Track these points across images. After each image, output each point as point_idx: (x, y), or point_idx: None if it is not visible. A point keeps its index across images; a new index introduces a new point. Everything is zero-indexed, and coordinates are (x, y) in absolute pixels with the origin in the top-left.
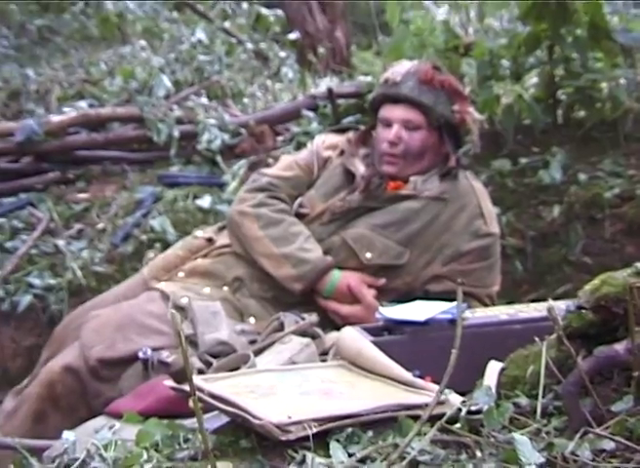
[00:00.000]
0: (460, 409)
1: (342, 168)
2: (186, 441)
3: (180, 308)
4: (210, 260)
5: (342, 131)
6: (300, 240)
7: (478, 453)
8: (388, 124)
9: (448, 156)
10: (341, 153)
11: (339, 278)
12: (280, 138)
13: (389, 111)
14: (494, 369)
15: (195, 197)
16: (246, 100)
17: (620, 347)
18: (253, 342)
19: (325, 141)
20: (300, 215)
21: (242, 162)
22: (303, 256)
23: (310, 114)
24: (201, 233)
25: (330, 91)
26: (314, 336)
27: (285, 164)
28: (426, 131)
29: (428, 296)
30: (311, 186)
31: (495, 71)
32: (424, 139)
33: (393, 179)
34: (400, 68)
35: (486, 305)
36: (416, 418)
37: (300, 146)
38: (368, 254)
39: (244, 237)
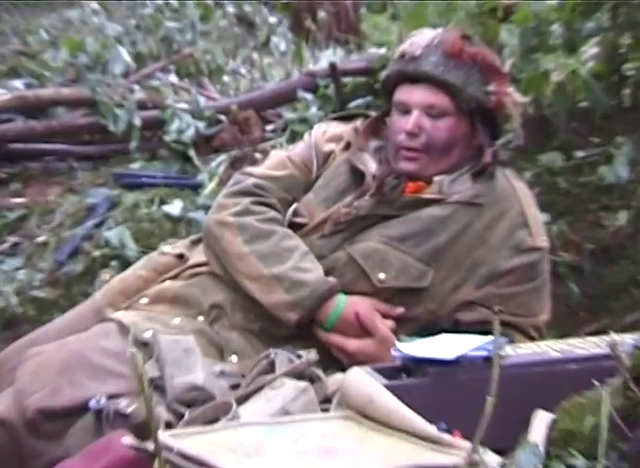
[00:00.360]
0: None
1: (349, 165)
2: None
3: (144, 344)
4: (181, 283)
5: (349, 118)
6: (296, 257)
7: None
8: (406, 110)
9: (482, 149)
10: (347, 147)
11: (344, 305)
12: (270, 128)
13: (407, 94)
14: (541, 420)
15: (162, 202)
16: (226, 79)
17: None
18: (235, 387)
19: (326, 132)
20: (294, 226)
21: (222, 157)
22: (300, 278)
23: (308, 96)
24: (169, 248)
25: (333, 66)
26: (313, 379)
27: (276, 161)
28: (454, 118)
29: (458, 328)
30: (309, 189)
31: (543, 41)
32: (452, 129)
33: (413, 180)
34: (421, 39)
35: (532, 339)
36: None
37: (294, 138)
38: (381, 275)
39: (224, 253)
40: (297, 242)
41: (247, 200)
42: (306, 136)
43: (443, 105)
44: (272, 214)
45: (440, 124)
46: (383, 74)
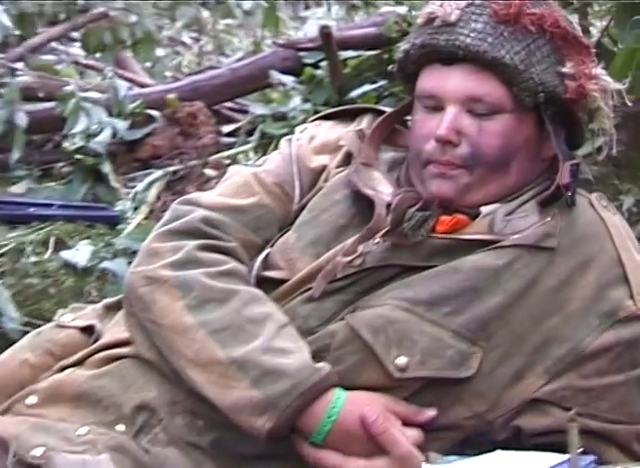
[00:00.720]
0: None
1: (350, 190)
2: None
3: (32, 467)
4: (90, 373)
5: (349, 116)
6: (268, 332)
7: None
8: (437, 105)
9: (555, 164)
10: (347, 161)
11: (343, 406)
12: (228, 129)
13: (438, 80)
14: None
15: (61, 245)
16: (161, 53)
17: None
18: None
19: (315, 138)
20: (266, 283)
21: (153, 175)
22: (274, 364)
23: (288, 80)
24: (71, 318)
25: (326, 34)
26: None
27: (237, 182)
28: (512, 116)
29: (520, 442)
30: (288, 226)
31: None
32: (508, 133)
33: (448, 211)
34: None
35: (636, 457)
36: None
37: (267, 146)
38: (400, 359)
39: (157, 326)
40: (269, 308)
41: (192, 244)
42: (284, 144)
43: (494, 97)
44: (231, 265)
45: (490, 126)
46: (401, 50)
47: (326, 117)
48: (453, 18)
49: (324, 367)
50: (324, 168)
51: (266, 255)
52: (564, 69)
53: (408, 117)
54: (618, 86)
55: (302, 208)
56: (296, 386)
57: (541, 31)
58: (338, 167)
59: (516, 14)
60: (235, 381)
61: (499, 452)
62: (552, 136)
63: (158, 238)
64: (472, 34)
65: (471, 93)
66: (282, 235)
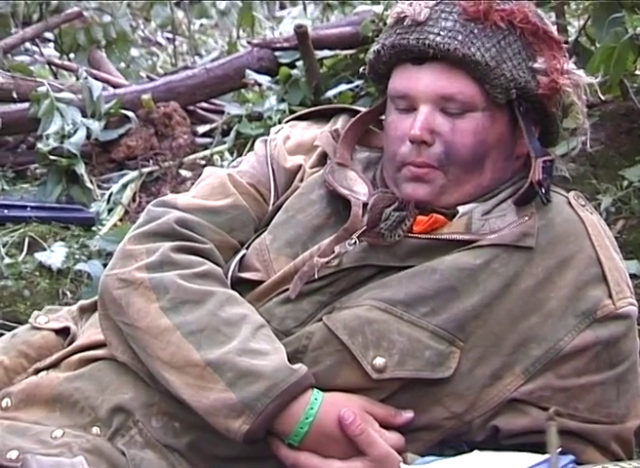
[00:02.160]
0: None
1: (325, 190)
2: None
3: None
4: (65, 375)
5: (324, 116)
6: (244, 333)
7: None
8: (409, 105)
9: (529, 161)
10: (322, 160)
11: (320, 407)
12: (204, 129)
13: (409, 80)
14: None
15: (35, 246)
16: (135, 53)
17: None
18: None
19: (289, 138)
20: (242, 285)
21: (129, 176)
22: (250, 366)
23: (264, 80)
24: (45, 320)
25: (302, 33)
26: None
27: (212, 184)
28: (485, 114)
29: (498, 441)
30: (264, 227)
31: None
32: (482, 131)
33: (425, 212)
34: None
35: (614, 457)
36: None
37: (243, 146)
38: (378, 360)
39: (132, 329)
40: (245, 310)
41: (166, 245)
42: (259, 144)
43: (466, 95)
44: (206, 266)
45: (463, 124)
46: (372, 50)
47: (301, 118)
48: (422, 16)
49: (300, 368)
50: (299, 167)
51: (242, 257)
52: (536, 65)
53: (382, 117)
54: (590, 80)
55: (278, 208)
56: (272, 388)
57: (512, 27)
58: (312, 167)
59: (486, 10)
60: (211, 383)
61: (477, 453)
62: (524, 133)
63: (133, 240)
64: (442, 33)
65: (443, 91)
66: (257, 236)
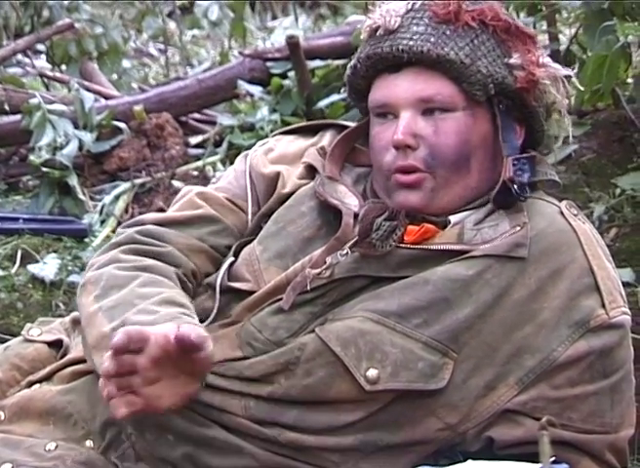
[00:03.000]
0: None
1: (316, 200)
2: None
3: None
4: (58, 388)
5: (313, 130)
6: (153, 300)
7: None
8: (390, 113)
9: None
10: (311, 173)
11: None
12: (196, 140)
13: (387, 89)
14: None
15: (28, 259)
16: (127, 65)
17: None
18: None
19: (272, 150)
20: (233, 294)
21: (121, 187)
22: (143, 321)
23: (255, 91)
24: (38, 332)
25: (293, 43)
26: None
27: (183, 201)
28: (466, 113)
29: (493, 453)
30: (250, 235)
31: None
32: (464, 130)
33: (415, 221)
34: (396, 4)
35: (609, 467)
36: None
37: (235, 156)
38: (371, 371)
39: (81, 329)
40: (166, 291)
41: (119, 248)
42: (239, 159)
43: (445, 96)
44: (150, 261)
45: (445, 125)
46: (349, 66)
47: (287, 132)
48: (393, 24)
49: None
50: (278, 175)
51: (231, 266)
52: (511, 60)
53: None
54: (566, 72)
55: (264, 216)
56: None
57: (484, 26)
58: (301, 178)
59: (456, 12)
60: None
61: (470, 463)
62: (500, 130)
63: (99, 253)
64: (415, 37)
65: (421, 94)
66: (245, 245)
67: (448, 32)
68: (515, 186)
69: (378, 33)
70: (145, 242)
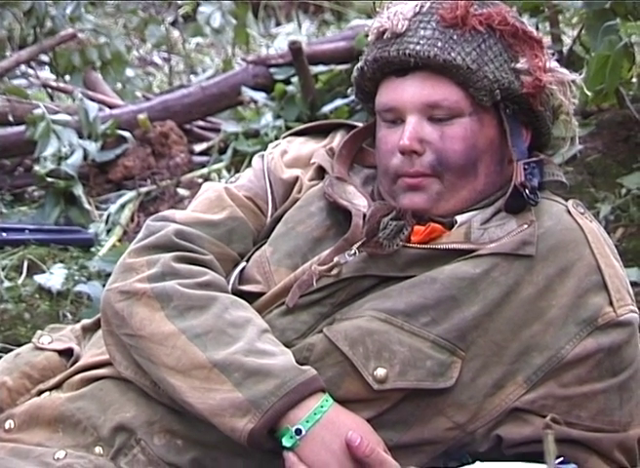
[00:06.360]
0: None
1: (325, 202)
2: None
3: None
4: (68, 395)
5: (321, 131)
6: (250, 334)
7: None
8: (397, 117)
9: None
10: (320, 174)
11: (329, 409)
12: (200, 148)
13: (394, 92)
14: None
15: (34, 269)
16: (131, 74)
17: None
18: None
19: (286, 152)
20: (243, 297)
21: (127, 196)
22: (259, 365)
23: (259, 97)
24: (48, 339)
25: (297, 49)
26: None
27: (209, 198)
28: (473, 118)
29: (502, 452)
30: (263, 239)
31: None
32: (471, 136)
33: (422, 220)
34: (404, 7)
35: (618, 465)
36: None
37: (240, 163)
38: (380, 370)
39: (137, 339)
40: (249, 314)
41: (167, 256)
42: (256, 159)
43: (451, 101)
44: (208, 276)
45: (451, 130)
46: (356, 68)
47: (298, 133)
48: (401, 28)
49: (310, 369)
50: (296, 179)
51: (242, 269)
52: (518, 65)
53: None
54: (574, 77)
55: (278, 220)
56: (280, 386)
57: (491, 30)
58: (311, 180)
59: (463, 16)
60: (218, 384)
61: (479, 464)
62: (508, 135)
63: (133, 254)
64: (422, 41)
65: (428, 99)
66: (258, 248)
67: (455, 37)
68: (527, 191)
69: (385, 36)
70: (188, 248)
